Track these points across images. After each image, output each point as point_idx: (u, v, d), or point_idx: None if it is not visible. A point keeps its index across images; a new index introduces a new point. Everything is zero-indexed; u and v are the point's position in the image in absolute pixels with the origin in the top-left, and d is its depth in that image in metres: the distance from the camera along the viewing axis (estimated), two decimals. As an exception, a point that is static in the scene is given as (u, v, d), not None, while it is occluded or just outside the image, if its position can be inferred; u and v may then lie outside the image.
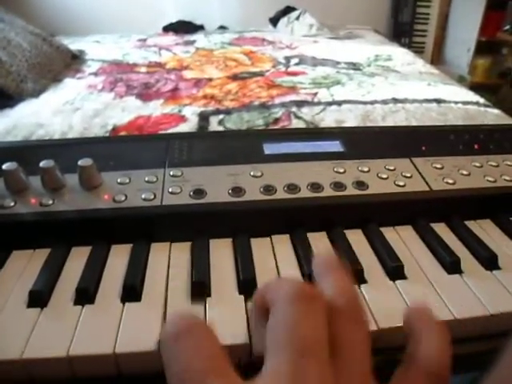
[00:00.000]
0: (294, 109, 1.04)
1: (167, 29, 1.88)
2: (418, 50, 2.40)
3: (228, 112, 1.04)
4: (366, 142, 0.58)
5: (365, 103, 1.06)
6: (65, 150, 0.54)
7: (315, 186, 0.50)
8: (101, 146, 0.56)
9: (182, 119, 1.00)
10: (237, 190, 0.49)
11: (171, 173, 0.51)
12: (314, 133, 0.62)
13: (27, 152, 0.53)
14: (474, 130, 0.62)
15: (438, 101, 1.07)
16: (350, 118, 0.99)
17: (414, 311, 0.32)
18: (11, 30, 1.10)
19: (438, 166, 0.54)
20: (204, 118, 1.01)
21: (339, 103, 1.06)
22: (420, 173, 0.53)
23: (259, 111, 1.04)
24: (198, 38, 1.72)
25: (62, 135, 0.92)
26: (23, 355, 0.36)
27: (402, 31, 2.47)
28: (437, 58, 2.50)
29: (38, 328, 0.38)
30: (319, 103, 1.07)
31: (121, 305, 0.40)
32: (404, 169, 0.53)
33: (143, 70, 1.25)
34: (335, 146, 0.57)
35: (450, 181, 0.52)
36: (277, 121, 0.99)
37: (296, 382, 0.23)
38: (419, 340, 0.29)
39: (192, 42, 1.61)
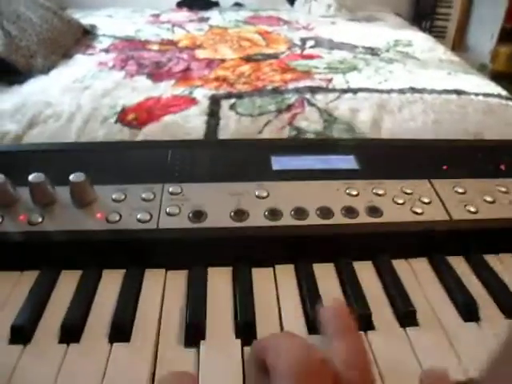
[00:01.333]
0: (307, 95, 0.97)
1: (181, 4, 1.76)
2: (439, 34, 2.21)
3: (240, 96, 0.96)
4: (383, 158, 0.51)
5: (381, 92, 0.98)
6: (57, 157, 0.48)
7: (325, 212, 0.44)
8: (96, 153, 0.50)
9: (193, 102, 0.93)
10: (239, 214, 0.43)
11: (170, 189, 0.45)
12: (327, 145, 0.56)
13: (16, 158, 0.48)
14: (501, 147, 0.54)
15: (458, 92, 0.98)
16: (365, 108, 0.91)
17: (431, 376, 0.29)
18: (20, 3, 1.02)
19: (460, 190, 0.47)
20: (215, 101, 0.94)
21: (355, 91, 0.98)
22: (440, 198, 0.47)
23: (272, 96, 0.97)
24: (213, 15, 1.59)
25: (69, 115, 0.86)
26: (0, 404, 0.32)
27: (423, 14, 2.27)
28: (458, 44, 2.31)
29: (19, 369, 0.34)
30: (334, 90, 0.98)
31: (108, 346, 0.35)
32: (423, 192, 0.47)
33: (155, 47, 1.17)
34: (349, 162, 0.50)
35: (473, 209, 0.45)
36: (289, 107, 0.92)
37: None
38: None
39: (206, 19, 1.50)
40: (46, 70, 1.03)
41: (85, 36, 1.19)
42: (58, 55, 1.06)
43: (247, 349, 0.35)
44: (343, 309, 0.31)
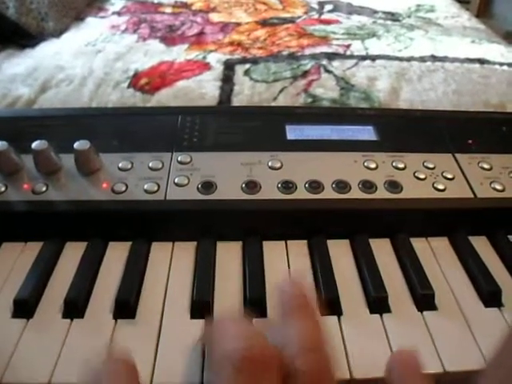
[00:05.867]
0: (324, 61, 0.91)
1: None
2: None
3: (255, 61, 0.91)
4: (404, 130, 0.47)
5: (401, 59, 0.92)
6: (63, 123, 0.45)
7: (341, 185, 0.40)
8: (103, 120, 0.46)
9: (206, 67, 0.89)
10: (251, 186, 0.40)
11: (179, 158, 0.42)
12: (345, 114, 0.51)
13: (21, 125, 0.45)
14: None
15: (482, 61, 0.92)
16: (384, 76, 0.85)
17: (398, 361, 0.25)
18: (30, -39, 0.97)
19: (486, 166, 0.43)
20: (229, 66, 0.89)
21: (373, 58, 0.92)
22: (464, 174, 0.43)
23: (287, 62, 0.91)
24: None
25: (82, 79, 0.83)
26: (3, 379, 0.30)
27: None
28: (483, 11, 2.16)
29: (21, 346, 0.32)
30: (352, 57, 0.93)
31: (113, 321, 0.33)
32: (446, 168, 0.43)
33: (168, 10, 1.11)
34: (368, 132, 0.46)
35: (499, 187, 0.41)
36: (305, 74, 0.87)
37: None
38: None
39: (221, -20, 1.42)
40: (57, 34, 0.98)
41: (97, -3, 1.14)
42: (69, 18, 1.02)
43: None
44: (297, 285, 0.27)
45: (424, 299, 0.35)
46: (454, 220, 0.41)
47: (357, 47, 0.96)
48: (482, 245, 0.40)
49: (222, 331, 0.24)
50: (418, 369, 0.24)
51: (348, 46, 0.96)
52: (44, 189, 0.39)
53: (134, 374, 0.23)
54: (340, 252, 0.39)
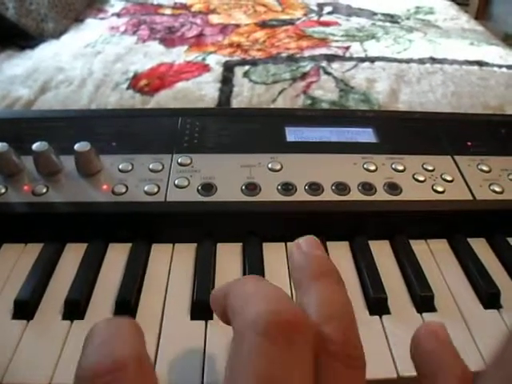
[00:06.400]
0: (323, 63, 0.91)
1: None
2: (462, 1, 2.07)
3: (254, 63, 0.92)
4: (403, 132, 0.47)
5: (400, 61, 0.92)
6: (63, 125, 0.45)
7: (341, 187, 0.41)
8: (103, 122, 0.46)
9: (206, 68, 0.89)
10: (251, 187, 0.40)
11: (179, 160, 0.42)
12: (344, 116, 0.52)
13: (21, 126, 0.45)
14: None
15: (480, 63, 0.92)
16: (383, 78, 0.86)
17: (427, 336, 0.23)
18: (30, -38, 0.97)
19: (485, 168, 0.44)
20: (228, 68, 0.89)
21: (372, 60, 0.92)
22: (463, 176, 0.43)
23: (287, 64, 0.92)
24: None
25: (81, 81, 0.83)
26: (3, 380, 0.30)
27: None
28: (482, 13, 2.16)
29: (22, 347, 0.32)
30: (351, 58, 0.93)
31: (113, 322, 0.33)
32: (445, 170, 0.43)
33: (168, 11, 1.11)
34: (367, 134, 0.46)
35: (498, 189, 0.42)
36: (304, 75, 0.87)
37: None
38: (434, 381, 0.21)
39: (221, -19, 1.42)
40: (57, 35, 0.98)
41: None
42: (69, 19, 1.02)
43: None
44: (317, 247, 0.24)
45: (423, 301, 0.35)
46: (453, 222, 0.41)
47: (356, 49, 0.96)
48: (480, 247, 0.40)
49: (241, 296, 0.20)
50: (449, 340, 0.23)
51: (347, 48, 0.97)
52: (44, 190, 0.39)
53: (140, 332, 0.20)
54: (339, 254, 0.39)
